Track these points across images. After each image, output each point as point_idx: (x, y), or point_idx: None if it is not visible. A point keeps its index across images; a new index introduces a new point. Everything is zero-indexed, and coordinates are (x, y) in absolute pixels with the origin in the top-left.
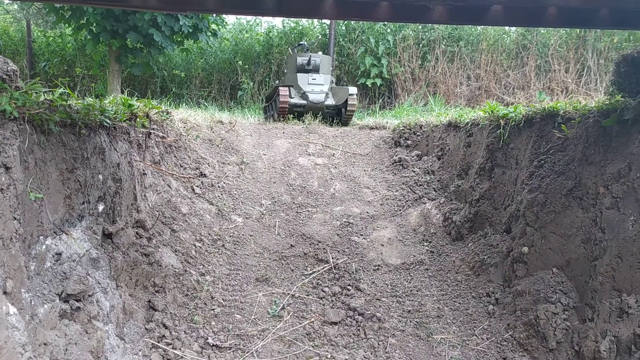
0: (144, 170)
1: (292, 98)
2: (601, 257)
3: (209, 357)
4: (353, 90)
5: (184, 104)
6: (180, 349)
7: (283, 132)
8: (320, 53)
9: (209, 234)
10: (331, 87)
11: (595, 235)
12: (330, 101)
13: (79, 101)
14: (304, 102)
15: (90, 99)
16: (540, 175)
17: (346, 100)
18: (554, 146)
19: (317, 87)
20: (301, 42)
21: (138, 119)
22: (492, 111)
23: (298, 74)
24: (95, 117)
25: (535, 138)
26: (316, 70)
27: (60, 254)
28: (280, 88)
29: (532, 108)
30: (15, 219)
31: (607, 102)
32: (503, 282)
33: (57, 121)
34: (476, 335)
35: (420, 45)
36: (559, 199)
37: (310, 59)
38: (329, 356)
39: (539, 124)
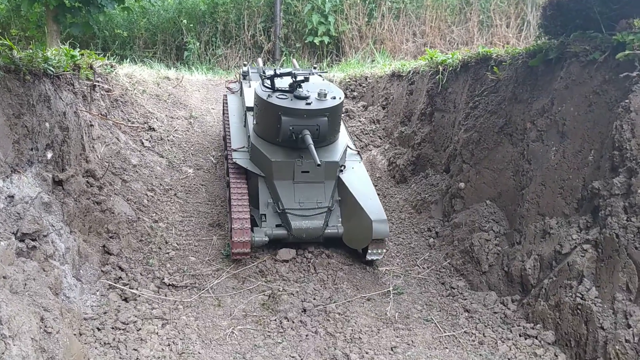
0: (90, 121)
1: (259, 234)
2: (528, 186)
3: (165, 295)
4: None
5: (129, 64)
6: (137, 289)
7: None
8: (314, 70)
9: (161, 184)
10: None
11: (522, 167)
12: (335, 230)
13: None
14: (284, 233)
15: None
16: (475, 116)
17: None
18: (487, 88)
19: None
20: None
21: (82, 70)
22: (431, 58)
23: (275, 162)
24: (38, 64)
25: (471, 81)
26: (323, 138)
27: (12, 196)
28: (234, 199)
29: (468, 53)
30: None
31: (534, 45)
32: (442, 217)
33: (0, 65)
34: (418, 266)
35: (367, 2)
36: (491, 137)
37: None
38: (281, 289)
39: (474, 68)
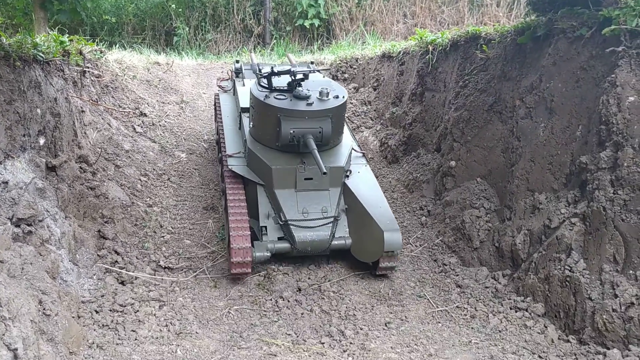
0: (82, 107)
1: (260, 249)
2: (517, 162)
3: (162, 277)
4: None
5: (118, 50)
6: (133, 272)
7: (222, 72)
8: (311, 67)
9: (154, 169)
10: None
11: (512, 144)
12: (342, 242)
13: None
14: (287, 247)
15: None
16: (464, 95)
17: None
18: (477, 66)
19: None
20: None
21: (71, 56)
22: (421, 38)
23: (275, 169)
24: (28, 50)
25: (461, 60)
26: (326, 142)
27: (7, 182)
28: (232, 213)
29: (457, 32)
30: None
31: (522, 22)
32: (434, 196)
33: None
34: (410, 244)
35: None
36: (481, 115)
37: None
38: (276, 269)
39: (463, 47)
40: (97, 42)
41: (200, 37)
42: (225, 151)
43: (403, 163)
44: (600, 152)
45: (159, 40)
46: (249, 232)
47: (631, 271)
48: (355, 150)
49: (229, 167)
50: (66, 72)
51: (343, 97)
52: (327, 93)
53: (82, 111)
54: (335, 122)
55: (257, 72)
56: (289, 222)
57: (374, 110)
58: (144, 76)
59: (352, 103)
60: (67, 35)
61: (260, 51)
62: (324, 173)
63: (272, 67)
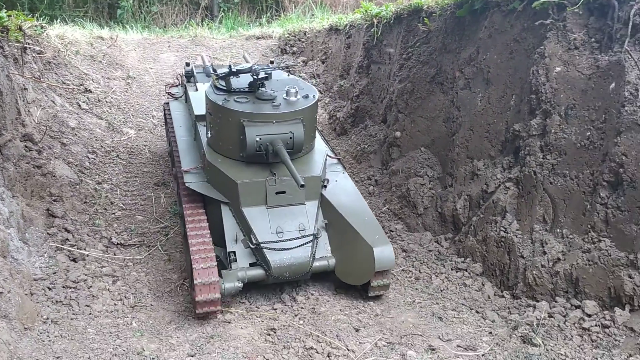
0: (24, 85)
1: (230, 280)
2: (458, 132)
3: (114, 253)
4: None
5: (59, 24)
6: (85, 249)
7: (168, 46)
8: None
9: (102, 146)
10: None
11: (453, 114)
12: (324, 263)
13: None
14: (261, 274)
15: None
16: (408, 67)
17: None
18: (419, 39)
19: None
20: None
21: (11, 32)
22: (366, 11)
23: (242, 184)
24: None
25: (404, 33)
26: (299, 148)
27: None
28: (192, 242)
29: (401, 5)
30: None
31: None
32: (381, 166)
33: None
34: None
35: None
36: (424, 86)
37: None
38: None
39: (406, 19)
40: (36, 17)
41: (145, 10)
42: (180, 166)
43: (351, 135)
44: (531, 120)
45: (102, 13)
46: (216, 262)
47: (558, 230)
48: (330, 157)
49: (186, 183)
50: (6, 49)
51: (314, 96)
52: (296, 92)
53: (25, 89)
54: (308, 126)
55: (213, 72)
56: (262, 245)
57: (323, 83)
58: (87, 51)
59: (301, 77)
60: (5, 10)
61: (207, 24)
62: (302, 185)
63: (229, 66)
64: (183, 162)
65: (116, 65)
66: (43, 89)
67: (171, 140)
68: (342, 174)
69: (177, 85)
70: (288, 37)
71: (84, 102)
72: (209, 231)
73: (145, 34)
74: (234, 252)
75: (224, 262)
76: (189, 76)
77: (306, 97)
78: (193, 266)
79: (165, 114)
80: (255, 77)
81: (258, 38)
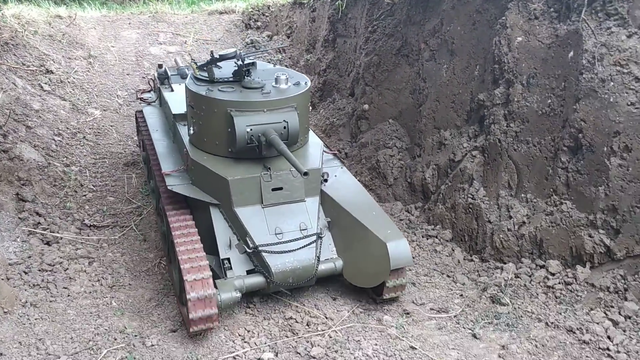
0: None
1: (227, 290)
2: (424, 103)
3: (88, 235)
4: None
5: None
6: (58, 232)
7: (129, 23)
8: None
9: (67, 128)
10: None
11: (419, 85)
12: (331, 265)
13: None
14: (261, 281)
15: None
16: (374, 40)
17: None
18: (384, 12)
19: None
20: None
21: None
22: None
23: (233, 181)
24: None
25: (369, 6)
26: (294, 140)
27: None
28: (181, 250)
29: None
30: None
31: None
32: (351, 139)
33: None
34: None
35: None
36: (390, 59)
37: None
38: None
39: None
40: None
41: None
42: (159, 175)
43: (320, 109)
44: (494, 90)
45: None
46: (210, 272)
47: (522, 194)
48: (325, 151)
49: (169, 187)
50: None
51: (306, 83)
52: (286, 79)
53: None
54: (301, 114)
55: (192, 61)
56: (260, 248)
57: (289, 58)
58: (46, 31)
59: (266, 52)
60: None
61: (168, 0)
62: (305, 173)
63: (211, 52)
64: (163, 166)
65: (76, 44)
66: (3, 71)
67: (147, 147)
68: (341, 169)
69: (149, 91)
70: (252, 11)
71: (45, 83)
72: (198, 237)
73: (104, 11)
74: (229, 259)
75: (217, 272)
76: (163, 78)
77: (297, 84)
78: (184, 278)
79: (137, 122)
80: (241, 61)
81: (221, 13)
